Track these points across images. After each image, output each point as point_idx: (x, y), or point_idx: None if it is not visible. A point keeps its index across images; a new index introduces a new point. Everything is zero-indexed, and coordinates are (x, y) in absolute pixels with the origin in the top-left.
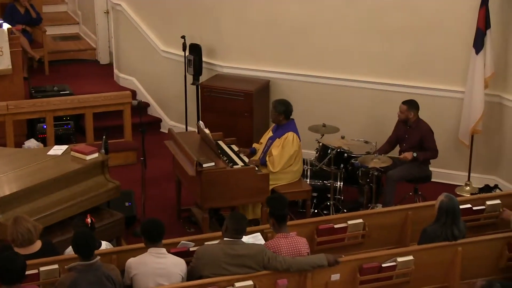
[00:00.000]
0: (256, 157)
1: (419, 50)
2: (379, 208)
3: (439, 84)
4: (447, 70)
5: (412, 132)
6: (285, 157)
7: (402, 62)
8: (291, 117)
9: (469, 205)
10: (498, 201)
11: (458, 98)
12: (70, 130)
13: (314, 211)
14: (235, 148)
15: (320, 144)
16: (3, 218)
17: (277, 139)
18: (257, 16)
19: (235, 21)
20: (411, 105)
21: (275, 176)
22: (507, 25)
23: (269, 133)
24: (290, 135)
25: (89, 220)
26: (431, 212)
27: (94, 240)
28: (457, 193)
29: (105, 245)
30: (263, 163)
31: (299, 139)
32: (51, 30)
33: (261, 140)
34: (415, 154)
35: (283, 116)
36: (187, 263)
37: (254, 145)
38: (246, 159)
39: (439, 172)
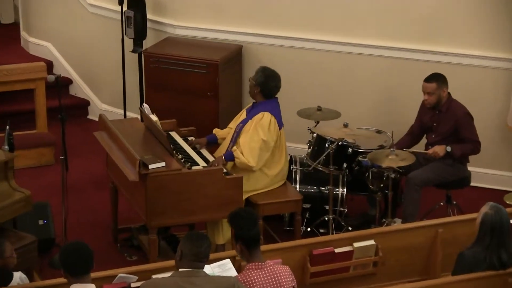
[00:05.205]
0: (223, 150)
1: (447, 4)
2: (397, 225)
3: (476, 49)
4: (487, 30)
5: (443, 118)
6: (257, 144)
7: (424, 20)
8: (274, 96)
9: None
10: None
11: (505, 69)
12: None
13: (306, 229)
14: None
15: (314, 135)
16: None
17: (249, 122)
18: None
19: None
20: (440, 79)
21: (248, 180)
22: None
23: (242, 116)
24: (266, 116)
25: None
26: (471, 230)
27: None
28: (507, 202)
29: (18, 279)
30: (228, 158)
31: (280, 126)
32: None
33: (230, 125)
34: (449, 149)
35: (258, 89)
36: None
37: (215, 131)
38: (210, 157)
39: (480, 173)
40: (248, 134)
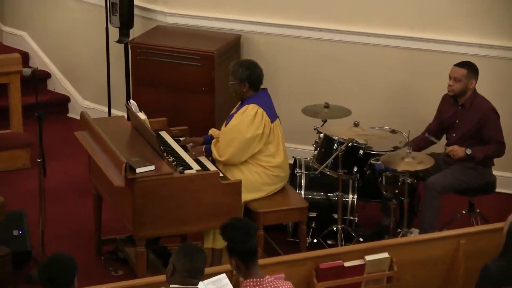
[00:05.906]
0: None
1: None
2: (414, 236)
3: (504, 39)
4: (510, 19)
5: (467, 114)
6: (239, 138)
7: (443, 6)
8: (261, 86)
9: None
10: None
11: None
12: None
13: (312, 240)
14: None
15: (321, 135)
16: None
17: (234, 116)
18: None
19: None
20: (473, 68)
21: (245, 181)
22: None
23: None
24: (251, 107)
25: None
26: (496, 241)
27: None
28: None
29: None
30: (208, 152)
31: (273, 118)
32: None
33: (223, 128)
34: (469, 151)
35: (247, 85)
36: None
37: (212, 131)
38: (205, 160)
39: (507, 178)
40: (228, 126)
